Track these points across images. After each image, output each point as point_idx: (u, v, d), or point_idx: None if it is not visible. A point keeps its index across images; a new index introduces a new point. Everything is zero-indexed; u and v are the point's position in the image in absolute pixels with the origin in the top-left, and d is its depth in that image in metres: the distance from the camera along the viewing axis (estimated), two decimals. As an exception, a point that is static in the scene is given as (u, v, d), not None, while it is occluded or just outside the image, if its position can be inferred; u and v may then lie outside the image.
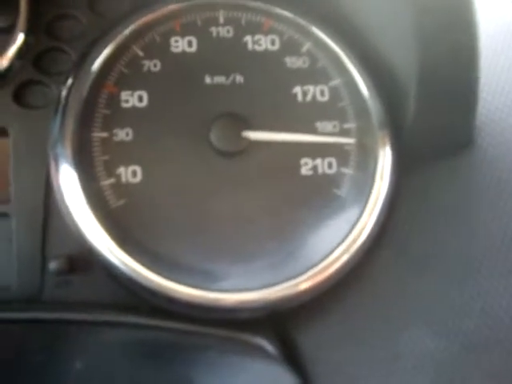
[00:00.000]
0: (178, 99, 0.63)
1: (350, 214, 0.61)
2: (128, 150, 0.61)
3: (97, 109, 0.62)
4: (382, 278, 0.62)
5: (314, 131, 0.64)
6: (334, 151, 0.63)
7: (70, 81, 0.62)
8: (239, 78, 0.64)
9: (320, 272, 0.59)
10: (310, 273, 0.59)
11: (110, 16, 0.66)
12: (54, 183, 0.61)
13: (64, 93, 0.62)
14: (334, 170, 0.63)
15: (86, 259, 0.60)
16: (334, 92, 0.65)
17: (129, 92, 0.63)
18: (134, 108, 0.63)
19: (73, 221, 0.60)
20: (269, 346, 0.59)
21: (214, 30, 0.66)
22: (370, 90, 0.64)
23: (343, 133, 0.64)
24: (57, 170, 0.61)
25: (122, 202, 0.60)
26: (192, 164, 0.62)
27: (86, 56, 0.63)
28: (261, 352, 0.58)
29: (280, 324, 0.61)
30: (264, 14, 0.66)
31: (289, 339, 0.60)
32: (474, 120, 0.62)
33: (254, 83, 0.64)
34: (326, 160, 0.63)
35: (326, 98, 0.65)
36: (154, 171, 0.61)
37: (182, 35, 0.65)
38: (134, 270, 0.58)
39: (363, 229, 0.60)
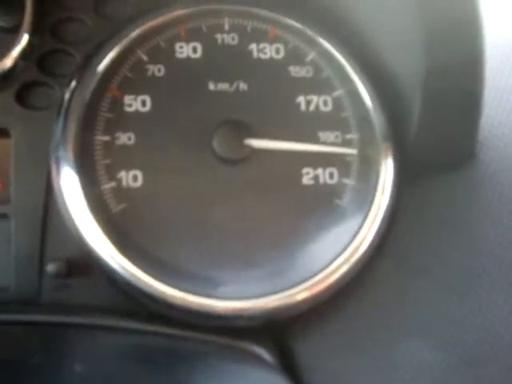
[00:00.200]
0: (182, 105, 0.63)
1: (351, 224, 0.61)
2: (130, 154, 0.61)
3: (99, 112, 0.62)
4: (382, 288, 0.62)
5: (316, 141, 0.64)
6: (335, 161, 0.63)
7: (73, 83, 0.62)
8: (243, 86, 0.64)
9: (319, 282, 0.59)
10: (309, 282, 0.59)
11: (116, 19, 0.66)
12: (55, 185, 0.61)
13: (67, 95, 0.62)
14: (335, 181, 0.63)
15: (85, 263, 0.60)
16: (337, 102, 0.65)
17: (132, 96, 0.63)
18: (136, 112, 0.62)
19: (73, 224, 0.59)
20: (266, 355, 0.59)
21: (219, 36, 0.66)
22: (373, 101, 0.64)
23: (345, 143, 0.64)
24: (58, 172, 0.60)
25: (122, 206, 0.60)
26: (193, 170, 0.62)
27: (91, 59, 0.63)
28: (259, 360, 0.58)
29: (278, 332, 0.60)
30: (269, 22, 0.66)
31: (287, 348, 0.60)
32: (476, 134, 0.62)
33: (257, 91, 0.64)
34: (328, 170, 0.63)
35: (329, 108, 0.65)
36: (155, 176, 0.61)
37: (187, 41, 0.65)
38: (134, 275, 0.58)
39: (364, 239, 0.60)
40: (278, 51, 0.66)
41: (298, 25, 0.66)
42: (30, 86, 0.64)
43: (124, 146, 0.61)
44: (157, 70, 0.64)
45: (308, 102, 0.65)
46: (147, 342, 0.59)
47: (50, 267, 0.59)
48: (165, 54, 0.64)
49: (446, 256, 0.61)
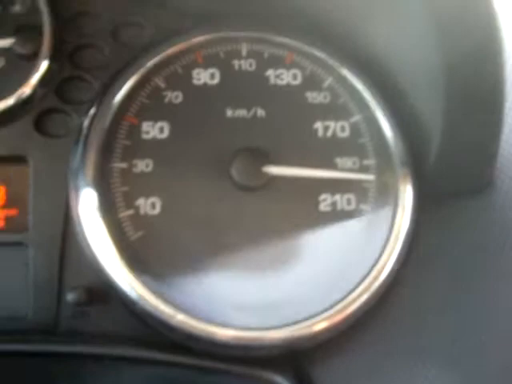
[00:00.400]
0: (199, 132, 0.63)
1: (370, 252, 0.61)
2: (147, 181, 0.61)
3: (117, 139, 0.62)
4: (400, 316, 0.61)
5: (334, 167, 0.64)
6: (353, 188, 0.63)
7: (92, 111, 0.62)
8: (260, 112, 0.64)
9: (338, 312, 0.59)
10: (328, 313, 0.59)
11: (133, 46, 0.66)
12: (73, 213, 0.61)
13: (86, 123, 0.62)
14: (353, 207, 0.63)
15: (103, 291, 0.60)
16: (354, 128, 0.65)
17: (150, 123, 0.63)
18: (154, 139, 0.62)
19: (91, 251, 0.59)
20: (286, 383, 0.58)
21: (236, 62, 0.66)
22: (391, 127, 0.64)
23: (363, 169, 0.64)
24: (76, 199, 0.60)
25: (140, 233, 0.60)
26: (211, 197, 0.62)
27: (109, 87, 0.63)
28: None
29: (297, 361, 0.60)
30: (287, 48, 0.66)
31: (306, 376, 0.60)
32: (494, 163, 0.62)
33: (275, 117, 0.64)
34: (345, 196, 0.63)
35: (346, 133, 0.65)
36: (173, 203, 0.61)
37: (205, 67, 0.65)
38: (152, 305, 0.58)
39: (383, 267, 0.60)
40: (295, 77, 0.66)
41: (315, 51, 0.66)
42: (48, 113, 0.64)
43: (142, 174, 0.61)
44: (174, 96, 0.64)
45: (325, 128, 0.65)
46: (167, 372, 0.59)
47: (70, 296, 0.59)
48: (182, 81, 0.64)
49: (463, 283, 0.61)
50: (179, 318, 0.57)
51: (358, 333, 0.61)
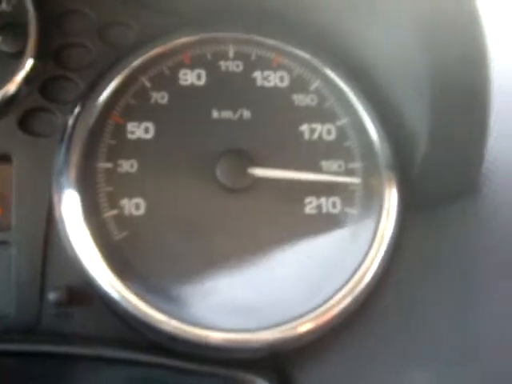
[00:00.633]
0: (185, 132, 0.63)
1: (355, 254, 0.61)
2: (132, 181, 0.61)
3: (102, 139, 0.62)
4: (384, 318, 0.61)
5: (320, 170, 0.64)
6: (338, 190, 0.63)
7: (76, 110, 0.62)
8: (246, 114, 0.64)
9: (322, 314, 0.59)
10: (312, 314, 0.59)
11: (119, 46, 0.66)
12: (56, 212, 0.60)
13: (70, 122, 0.62)
14: (338, 210, 0.63)
15: (86, 291, 0.59)
16: (340, 131, 0.65)
17: (135, 123, 0.62)
18: (139, 139, 0.62)
19: (73, 251, 0.59)
20: (269, 387, 0.58)
21: (223, 64, 0.65)
22: (377, 131, 0.64)
23: (348, 172, 0.64)
24: (59, 199, 0.60)
25: (124, 234, 0.60)
26: (196, 198, 0.62)
27: (94, 86, 0.63)
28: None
29: (281, 363, 0.60)
30: (274, 50, 0.66)
31: (289, 379, 0.59)
32: (481, 166, 0.61)
33: (261, 119, 0.64)
34: (331, 199, 0.63)
35: (332, 136, 0.65)
36: (158, 204, 0.61)
37: (191, 68, 0.65)
38: (134, 305, 0.57)
39: (367, 270, 0.60)
40: (282, 79, 0.66)
41: (302, 53, 0.66)
42: (33, 112, 0.63)
43: (127, 174, 0.61)
44: (160, 97, 0.63)
45: (311, 131, 0.64)
46: (148, 373, 0.58)
47: (51, 295, 0.59)
48: (168, 81, 0.64)
49: (448, 287, 0.61)
50: (161, 319, 0.57)
51: (342, 337, 0.60)
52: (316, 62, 0.66)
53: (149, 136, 0.62)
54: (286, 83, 0.66)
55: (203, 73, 0.65)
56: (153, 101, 0.63)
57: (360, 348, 0.60)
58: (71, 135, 0.61)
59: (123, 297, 0.57)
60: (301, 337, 0.59)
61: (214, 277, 0.60)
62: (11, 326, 0.60)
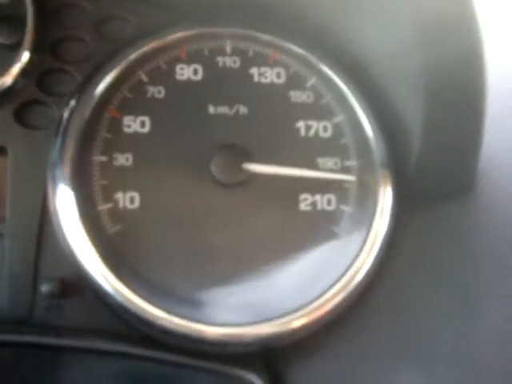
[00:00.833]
0: (181, 127, 0.63)
1: (349, 251, 0.61)
2: (127, 175, 0.61)
3: (98, 132, 0.62)
4: (376, 316, 0.61)
5: (315, 167, 0.64)
6: (333, 188, 0.63)
7: (72, 103, 0.62)
8: (243, 110, 0.64)
9: (315, 309, 0.59)
10: (304, 310, 0.59)
11: (116, 40, 0.65)
12: (51, 205, 0.60)
13: (66, 114, 0.62)
14: (333, 207, 0.63)
15: (78, 284, 0.59)
16: (337, 128, 0.65)
17: (131, 117, 0.62)
18: (135, 133, 0.62)
19: (67, 244, 0.59)
20: (258, 382, 0.58)
21: (220, 59, 0.65)
22: (373, 128, 0.64)
23: (344, 170, 0.64)
24: (54, 191, 0.60)
25: (118, 227, 0.60)
26: (191, 193, 0.62)
27: (91, 79, 0.63)
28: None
29: (272, 359, 0.60)
30: (271, 47, 0.66)
31: (280, 375, 0.59)
32: (476, 164, 0.61)
33: (257, 115, 0.64)
34: (326, 196, 0.63)
35: (328, 134, 0.65)
36: (152, 198, 0.61)
37: (188, 63, 0.65)
38: (126, 298, 0.57)
39: (361, 267, 0.60)
40: (278, 76, 0.66)
41: (299, 50, 0.66)
42: (29, 104, 0.63)
43: (122, 167, 0.61)
44: (157, 91, 0.63)
45: (308, 128, 0.64)
46: (138, 366, 0.58)
47: (44, 287, 0.59)
48: (165, 76, 0.64)
49: (441, 285, 0.61)
50: (154, 313, 0.57)
51: (335, 333, 0.60)
52: (312, 58, 0.66)
53: (145, 130, 0.62)
54: (282, 80, 0.66)
55: (200, 68, 0.65)
56: (149, 95, 0.63)
57: (352, 344, 0.60)
58: (66, 128, 0.61)
59: (116, 290, 0.57)
60: (294, 332, 0.59)
61: (208, 272, 0.60)
62: (3, 317, 0.60)
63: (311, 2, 0.63)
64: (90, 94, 0.62)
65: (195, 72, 0.65)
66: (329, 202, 0.63)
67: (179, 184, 0.62)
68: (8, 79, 0.62)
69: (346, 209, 0.63)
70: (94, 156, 0.61)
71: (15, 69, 0.62)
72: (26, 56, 0.62)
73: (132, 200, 0.61)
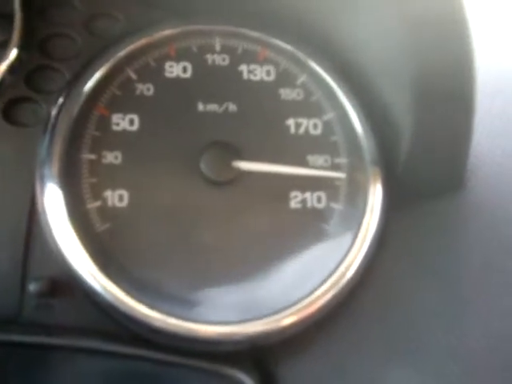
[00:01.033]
0: (170, 125, 0.63)
1: (339, 249, 0.61)
2: (116, 173, 0.61)
3: (86, 130, 0.61)
4: (367, 314, 0.61)
5: (305, 164, 0.63)
6: (324, 185, 0.63)
7: (60, 100, 0.62)
8: (232, 107, 0.64)
9: (305, 307, 0.58)
10: (294, 308, 0.58)
11: (105, 37, 0.65)
12: (39, 203, 0.60)
13: (54, 112, 0.61)
14: (323, 205, 0.63)
15: (67, 282, 0.59)
16: (327, 126, 0.65)
17: (120, 115, 0.62)
18: (124, 131, 0.62)
19: (55, 243, 0.58)
20: (248, 381, 0.58)
21: (209, 57, 0.65)
22: (363, 126, 0.64)
23: (334, 167, 0.64)
24: (42, 190, 0.60)
25: (107, 226, 0.59)
26: (180, 191, 0.61)
27: (79, 76, 0.62)
28: (241, 386, 0.57)
29: (262, 358, 0.60)
30: (261, 44, 0.66)
31: (270, 374, 0.59)
32: (465, 163, 0.62)
33: (247, 113, 0.64)
34: (316, 194, 0.63)
35: (318, 131, 0.64)
36: (141, 196, 0.60)
37: (177, 60, 0.64)
38: (116, 297, 0.57)
39: (351, 264, 0.60)
40: (268, 73, 0.65)
41: (288, 47, 0.66)
42: (17, 101, 0.63)
43: (110, 165, 0.61)
44: (146, 89, 0.63)
45: (298, 125, 0.64)
46: (128, 365, 0.58)
47: (33, 286, 0.58)
48: (154, 73, 0.64)
49: (431, 283, 0.61)
50: (144, 312, 0.57)
51: (325, 330, 0.60)
52: (302, 56, 0.66)
53: (134, 128, 0.62)
54: (272, 77, 0.65)
55: (189, 65, 0.65)
56: (138, 92, 0.63)
57: (343, 341, 0.60)
58: (55, 126, 0.61)
59: (105, 288, 0.57)
60: (284, 330, 0.58)
61: (197, 270, 0.59)
62: None
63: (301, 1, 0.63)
64: (78, 92, 0.61)
65: (184, 69, 0.64)
66: (319, 200, 0.63)
67: (168, 182, 0.61)
68: (-5, 76, 0.62)
69: (337, 206, 0.63)
70: (83, 154, 0.61)
71: (3, 66, 0.62)
72: (13, 53, 0.62)
73: (121, 198, 0.60)
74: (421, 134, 0.60)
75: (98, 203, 0.60)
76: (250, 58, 0.65)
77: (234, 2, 0.65)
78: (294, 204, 0.62)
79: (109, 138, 0.61)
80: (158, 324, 0.57)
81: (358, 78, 0.65)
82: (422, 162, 0.61)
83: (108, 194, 0.60)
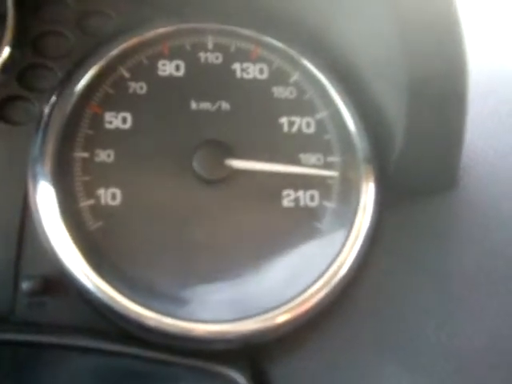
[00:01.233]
0: (163, 123, 0.63)
1: (331, 247, 0.61)
2: (109, 171, 0.61)
3: (79, 128, 0.61)
4: (360, 311, 0.61)
5: (298, 163, 0.63)
6: (316, 184, 0.63)
7: (53, 98, 0.62)
8: (225, 106, 0.64)
9: (298, 305, 0.59)
10: (287, 306, 0.58)
11: (98, 35, 0.65)
12: (31, 202, 0.60)
13: (47, 110, 0.61)
14: (316, 203, 0.63)
15: (60, 281, 0.59)
16: (320, 124, 0.65)
17: (113, 113, 0.62)
18: (117, 129, 0.62)
19: (48, 241, 0.58)
20: (242, 379, 0.58)
21: (202, 55, 0.65)
22: (356, 124, 0.64)
23: (327, 166, 0.64)
24: (35, 188, 0.59)
25: (99, 224, 0.59)
26: (173, 189, 0.61)
27: (72, 74, 0.62)
28: (233, 384, 0.57)
29: (255, 356, 0.60)
30: (253, 42, 0.66)
31: (263, 372, 0.59)
32: (458, 162, 0.62)
33: (240, 111, 0.64)
34: (309, 192, 0.63)
35: (311, 130, 0.64)
36: (134, 195, 0.60)
37: (170, 59, 0.64)
38: (108, 295, 0.57)
39: (344, 262, 0.60)
40: (261, 71, 0.65)
41: (281, 45, 0.66)
42: (10, 100, 0.63)
43: (103, 164, 0.61)
44: (138, 87, 0.63)
45: (291, 124, 0.64)
46: (121, 363, 0.58)
47: (25, 285, 0.58)
48: (147, 72, 0.64)
49: (424, 280, 0.61)
50: (136, 311, 0.57)
51: (318, 328, 0.60)
52: (295, 54, 0.66)
53: (126, 126, 0.62)
54: (265, 75, 0.65)
55: (182, 64, 0.65)
56: (131, 91, 0.63)
57: (336, 339, 0.60)
58: (47, 124, 0.61)
59: (97, 287, 0.57)
60: (277, 328, 0.58)
61: (190, 268, 0.59)
62: None
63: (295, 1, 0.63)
64: (71, 90, 0.61)
65: (177, 68, 0.64)
66: (312, 198, 0.63)
67: (161, 180, 0.61)
68: (-12, 75, 0.62)
69: (329, 205, 0.63)
70: (76, 152, 0.61)
71: None
72: (6, 51, 0.62)
73: (114, 196, 0.60)
74: (414, 132, 0.60)
75: (90, 201, 0.60)
76: (243, 56, 0.65)
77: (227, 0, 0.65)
78: (286, 202, 0.62)
79: (101, 137, 0.61)
80: (150, 322, 0.57)
81: (350, 77, 0.65)
82: (415, 160, 0.61)
83: (101, 192, 0.60)
